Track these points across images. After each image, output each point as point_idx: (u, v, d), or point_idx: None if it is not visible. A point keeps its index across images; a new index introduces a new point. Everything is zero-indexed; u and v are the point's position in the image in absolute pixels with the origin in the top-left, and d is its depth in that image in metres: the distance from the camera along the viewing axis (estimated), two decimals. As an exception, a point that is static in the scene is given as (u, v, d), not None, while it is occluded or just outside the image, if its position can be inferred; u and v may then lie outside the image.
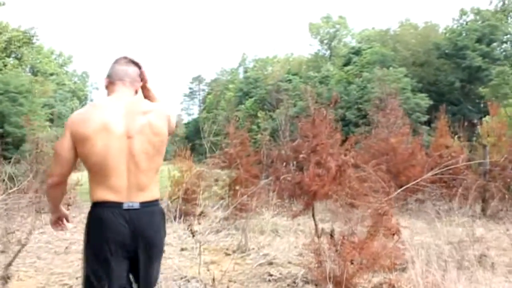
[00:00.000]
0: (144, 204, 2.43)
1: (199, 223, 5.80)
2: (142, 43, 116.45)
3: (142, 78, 2.68)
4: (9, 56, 24.52)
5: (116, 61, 2.64)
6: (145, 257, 2.46)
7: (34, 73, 37.90)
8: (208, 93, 65.96)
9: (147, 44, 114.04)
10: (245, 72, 59.84)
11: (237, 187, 8.96)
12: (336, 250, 4.13)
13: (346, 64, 41.37)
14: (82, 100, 52.06)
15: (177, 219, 8.12)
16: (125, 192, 2.39)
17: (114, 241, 2.36)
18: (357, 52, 41.43)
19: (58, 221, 2.71)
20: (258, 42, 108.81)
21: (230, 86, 56.14)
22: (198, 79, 71.68)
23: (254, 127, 26.85)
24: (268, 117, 32.45)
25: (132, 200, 2.40)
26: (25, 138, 13.16)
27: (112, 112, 2.43)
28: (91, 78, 65.49)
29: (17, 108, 17.33)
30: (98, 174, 2.41)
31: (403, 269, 4.61)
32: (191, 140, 28.85)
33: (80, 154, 2.43)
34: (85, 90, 59.80)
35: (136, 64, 2.66)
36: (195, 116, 66.98)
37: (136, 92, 2.65)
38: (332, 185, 4.69)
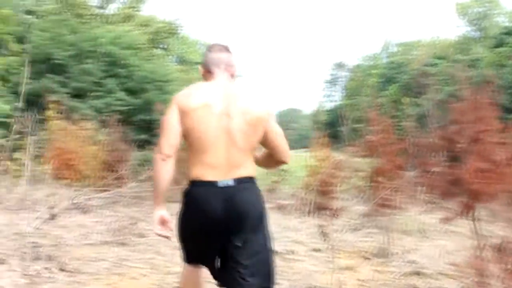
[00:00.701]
0: (239, 180, 2.45)
1: (333, 224, 5.09)
2: (285, 31, 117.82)
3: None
4: (156, 47, 25.63)
5: (210, 49, 2.73)
6: (243, 232, 2.45)
7: (180, 62, 39.49)
8: (350, 79, 64.67)
9: (290, 32, 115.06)
10: (388, 57, 57.78)
11: (380, 179, 8.08)
12: (507, 269, 3.21)
13: (497, 46, 37.89)
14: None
15: (311, 213, 7.48)
16: (221, 169, 2.44)
17: (209, 219, 2.41)
18: (510, 32, 37.79)
19: (160, 223, 2.56)
20: (402, 26, 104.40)
21: (373, 71, 54.65)
22: (340, 65, 70.50)
23: (399, 113, 25.45)
24: (413, 103, 30.76)
25: (228, 177, 2.44)
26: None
27: (213, 93, 2.53)
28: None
29: (163, 96, 17.87)
30: (197, 150, 2.47)
31: None
32: (332, 127, 28.32)
33: (183, 128, 2.47)
34: (228, 78, 61.60)
35: (228, 50, 2.72)
36: (338, 103, 66.16)
37: (232, 76, 2.70)
38: (501, 183, 3.72)
